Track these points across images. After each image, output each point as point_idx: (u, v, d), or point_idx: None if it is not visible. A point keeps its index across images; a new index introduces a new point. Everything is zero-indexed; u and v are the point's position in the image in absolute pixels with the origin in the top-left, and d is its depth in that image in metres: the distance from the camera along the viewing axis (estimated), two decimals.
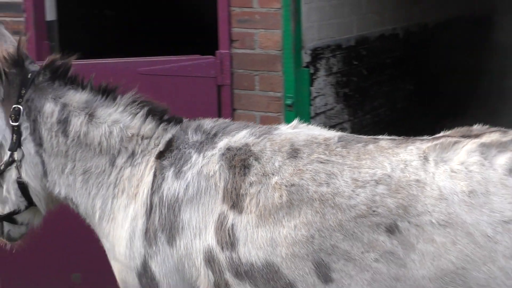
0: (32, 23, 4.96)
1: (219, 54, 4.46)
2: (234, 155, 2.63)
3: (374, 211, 2.37)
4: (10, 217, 3.01)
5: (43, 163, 2.92)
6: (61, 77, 2.92)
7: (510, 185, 2.29)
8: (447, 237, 2.29)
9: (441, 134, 2.57)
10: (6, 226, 3.04)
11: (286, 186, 2.50)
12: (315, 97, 4.61)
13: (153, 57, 4.55)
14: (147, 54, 4.73)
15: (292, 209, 2.48)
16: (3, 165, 2.91)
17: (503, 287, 2.25)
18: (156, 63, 4.42)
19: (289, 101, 4.37)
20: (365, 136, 2.67)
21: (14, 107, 2.86)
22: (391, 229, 2.35)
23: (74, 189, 2.90)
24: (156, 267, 2.68)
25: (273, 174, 2.54)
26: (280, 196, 2.49)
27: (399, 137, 2.62)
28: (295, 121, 2.78)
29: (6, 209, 3.01)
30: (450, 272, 2.30)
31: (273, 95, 4.45)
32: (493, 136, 2.43)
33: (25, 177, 2.92)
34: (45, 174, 2.93)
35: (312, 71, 4.55)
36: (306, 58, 4.51)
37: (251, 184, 2.56)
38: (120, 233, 2.77)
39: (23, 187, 2.94)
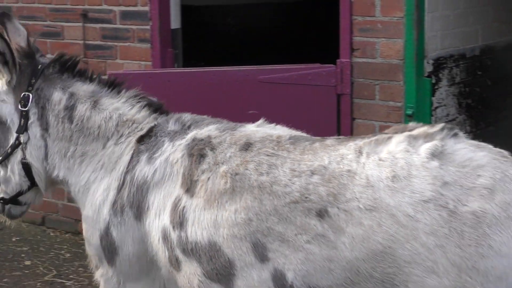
0: (157, 31, 5.08)
1: (340, 63, 4.44)
2: (195, 145, 2.87)
3: (306, 197, 2.56)
4: (15, 199, 3.26)
5: (46, 146, 3.16)
6: (69, 70, 3.19)
7: (431, 167, 2.44)
8: (373, 220, 2.45)
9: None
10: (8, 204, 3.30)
11: (231, 174, 2.72)
12: (436, 107, 4.52)
13: (273, 66, 4.58)
14: (266, 62, 4.76)
15: (234, 195, 2.69)
16: (10, 148, 3.18)
17: (427, 262, 2.39)
18: (276, 71, 4.44)
19: (409, 111, 4.30)
20: (313, 137, 2.87)
21: (24, 94, 3.13)
22: (321, 214, 2.53)
23: (72, 171, 3.15)
24: (117, 235, 2.96)
25: (222, 164, 2.77)
26: (225, 182, 2.72)
27: (348, 137, 2.87)
28: (260, 120, 2.99)
29: (9, 189, 3.25)
30: (379, 252, 2.45)
31: (393, 105, 4.39)
32: (421, 129, 2.60)
33: (29, 159, 3.16)
34: (45, 157, 3.17)
35: (434, 81, 4.46)
36: (428, 67, 4.42)
37: (203, 172, 2.79)
38: (91, 200, 3.06)
39: (27, 168, 3.17)
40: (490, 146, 2.57)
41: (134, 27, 5.20)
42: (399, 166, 2.49)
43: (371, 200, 2.48)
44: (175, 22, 5.22)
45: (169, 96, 4.09)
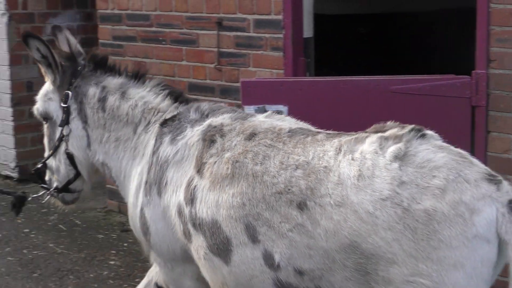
0: (290, 40, 5.11)
1: (475, 74, 4.33)
2: (209, 131, 3.22)
3: (289, 189, 2.84)
4: (66, 188, 3.76)
5: (87, 136, 3.64)
6: (101, 67, 3.66)
7: (392, 169, 2.66)
8: (341, 215, 2.70)
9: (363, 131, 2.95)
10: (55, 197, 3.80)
11: (233, 161, 3.04)
12: None
13: (406, 76, 4.52)
14: (397, 72, 4.70)
15: (233, 180, 3.01)
16: (57, 141, 3.68)
17: (388, 254, 2.62)
18: (408, 81, 4.37)
19: None
20: (313, 129, 3.17)
21: (65, 93, 3.62)
22: (301, 206, 2.80)
23: (109, 155, 3.60)
24: (148, 213, 3.31)
25: (227, 150, 3.10)
26: (227, 168, 3.04)
27: (337, 132, 3.05)
28: (269, 112, 3.35)
29: (60, 178, 3.75)
30: (348, 245, 2.69)
31: None
32: (393, 130, 2.81)
33: (71, 149, 3.67)
34: (88, 145, 3.65)
35: None
36: None
37: (211, 156, 3.13)
38: (131, 186, 3.44)
39: (70, 157, 3.67)
40: (452, 147, 2.75)
41: (267, 35, 5.26)
42: (365, 166, 2.73)
43: (340, 196, 2.73)
44: (307, 31, 5.24)
45: (300, 104, 4.12)
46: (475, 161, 2.74)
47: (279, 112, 3.59)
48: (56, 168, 3.76)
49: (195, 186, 3.12)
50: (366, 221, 2.67)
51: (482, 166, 2.73)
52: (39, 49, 3.63)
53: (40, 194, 3.85)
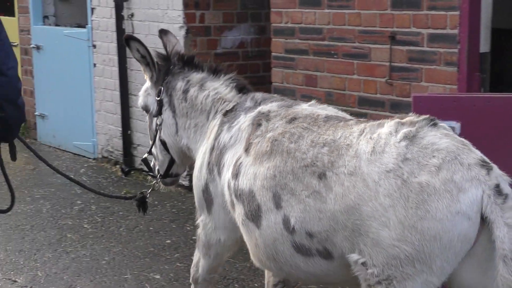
0: (465, 55, 4.97)
1: None
2: (257, 117, 3.69)
3: (314, 163, 3.28)
4: (167, 173, 4.31)
5: (176, 124, 4.16)
6: (188, 64, 4.17)
7: (400, 147, 3.08)
8: (351, 182, 3.13)
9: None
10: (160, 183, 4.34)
11: (272, 140, 3.49)
12: None
13: None
14: None
15: (271, 156, 3.45)
16: (154, 130, 4.24)
17: (382, 218, 3.03)
18: None
19: None
20: (348, 117, 3.63)
21: (159, 88, 4.18)
22: (321, 176, 3.24)
23: (190, 139, 4.12)
24: (212, 189, 3.84)
25: (270, 131, 3.56)
26: (267, 146, 3.49)
27: (366, 120, 3.48)
28: (313, 101, 3.78)
29: (160, 163, 4.31)
30: (351, 207, 3.12)
31: None
32: (410, 117, 3.22)
33: (163, 136, 4.21)
34: (176, 131, 4.17)
35: None
36: None
37: (256, 137, 3.59)
38: (197, 162, 3.98)
39: (163, 144, 4.22)
40: (457, 137, 3.14)
41: (441, 50, 5.14)
42: (379, 144, 3.15)
43: (353, 167, 3.16)
44: (484, 45, 5.07)
45: (473, 121, 3.97)
46: (474, 149, 3.10)
47: (452, 128, 3.48)
48: (156, 155, 4.33)
49: (241, 163, 3.59)
50: (370, 188, 3.09)
51: (479, 154, 3.08)
52: (138, 50, 4.17)
53: (151, 187, 4.37)
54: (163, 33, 4.38)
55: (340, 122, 3.42)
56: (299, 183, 3.31)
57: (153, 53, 4.20)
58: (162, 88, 4.18)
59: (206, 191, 3.90)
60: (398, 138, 3.12)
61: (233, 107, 3.93)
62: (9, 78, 3.91)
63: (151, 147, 4.30)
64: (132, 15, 7.69)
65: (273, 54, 6.40)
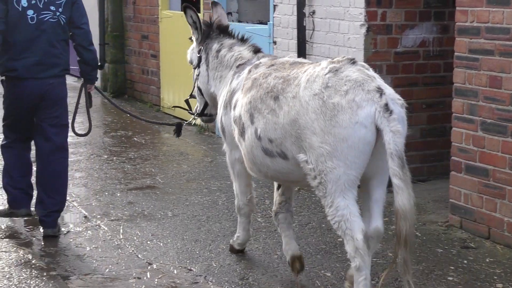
0: None
1: None
2: (252, 67, 5.09)
3: (272, 90, 4.62)
4: (203, 113, 5.83)
5: (208, 75, 5.57)
6: (224, 32, 5.59)
7: (325, 77, 4.36)
8: (293, 103, 4.45)
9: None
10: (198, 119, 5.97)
11: (253, 79, 4.88)
12: None
13: None
14: None
15: (251, 90, 4.83)
16: (195, 79, 5.73)
17: (311, 128, 4.32)
18: None
19: None
20: (308, 61, 5.05)
21: (200, 47, 5.62)
22: (276, 98, 4.58)
23: (217, 87, 5.51)
24: (225, 121, 5.27)
25: (254, 74, 4.94)
26: (250, 83, 4.89)
27: (319, 62, 4.67)
28: (292, 55, 5.84)
29: (198, 105, 5.86)
30: (293, 121, 4.43)
31: None
32: (339, 58, 4.50)
33: (199, 84, 5.68)
34: (208, 81, 5.59)
35: None
36: None
37: (247, 79, 4.97)
38: (219, 104, 5.40)
39: (199, 90, 5.71)
40: (367, 71, 4.38)
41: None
42: (313, 76, 4.43)
43: (295, 92, 4.47)
44: None
45: None
46: (378, 79, 4.37)
47: None
48: (196, 99, 5.83)
49: (237, 99, 5.02)
50: (304, 107, 4.39)
51: (378, 83, 4.33)
52: (191, 16, 5.60)
53: (189, 121, 6.08)
54: (213, 4, 5.79)
55: (299, 65, 4.78)
56: (263, 104, 4.68)
57: (201, 21, 5.63)
58: (202, 47, 5.61)
59: (222, 123, 5.31)
60: (325, 72, 4.40)
61: (244, 62, 5.31)
62: (83, 31, 5.93)
63: (192, 92, 5.83)
64: (313, 12, 7.72)
65: (456, 54, 6.20)
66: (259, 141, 4.70)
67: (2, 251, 5.69)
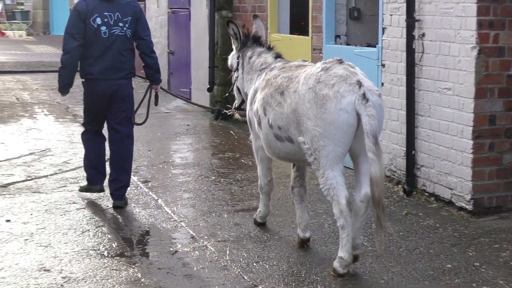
0: None
1: None
2: (269, 70, 6.29)
3: (279, 87, 5.78)
4: (239, 107, 6.94)
5: (243, 78, 6.67)
6: (256, 41, 6.71)
7: (318, 74, 5.51)
8: (294, 95, 5.61)
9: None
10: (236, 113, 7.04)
11: (266, 80, 6.05)
12: None
13: None
14: None
15: (264, 88, 6.00)
16: (234, 80, 6.87)
17: (307, 114, 5.47)
18: None
19: None
20: (312, 64, 6.06)
21: (238, 54, 6.73)
22: (282, 93, 5.74)
23: (248, 88, 6.59)
24: (250, 115, 6.37)
25: (269, 75, 6.10)
26: (264, 83, 6.06)
27: (319, 63, 5.75)
28: (300, 59, 6.46)
29: (236, 101, 6.95)
30: (294, 110, 5.58)
31: None
32: (330, 59, 5.68)
33: (237, 84, 6.79)
34: (242, 82, 6.71)
35: None
36: None
37: (263, 80, 6.15)
38: (247, 101, 6.52)
39: (237, 89, 6.82)
40: (352, 69, 5.52)
41: None
42: (309, 74, 5.58)
43: (295, 87, 5.61)
44: None
45: None
46: (359, 75, 5.47)
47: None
48: (235, 96, 6.97)
49: (256, 96, 6.20)
50: (301, 98, 5.52)
51: (359, 77, 5.43)
52: (233, 29, 6.76)
53: (229, 112, 7.24)
54: (254, 17, 7.00)
55: (302, 67, 5.90)
56: (273, 99, 5.86)
57: (241, 32, 6.75)
58: (240, 54, 6.75)
59: (248, 117, 6.45)
60: (318, 70, 5.56)
61: (266, 66, 6.42)
62: (145, 41, 7.43)
63: (230, 90, 7.07)
64: (423, 35, 7.63)
65: None
66: (271, 128, 5.90)
67: (112, 269, 5.85)
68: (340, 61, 5.57)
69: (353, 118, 5.33)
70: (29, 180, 8.37)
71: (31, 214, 7.14)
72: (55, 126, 11.61)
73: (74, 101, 13.63)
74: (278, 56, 6.52)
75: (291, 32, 11.14)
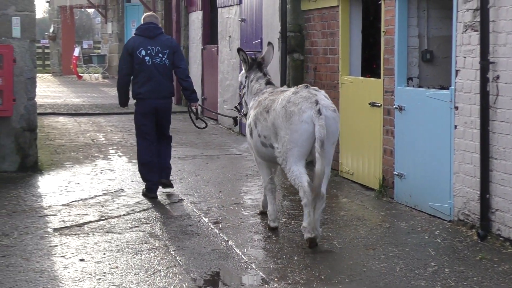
0: None
1: None
2: (260, 94, 8.35)
3: (266, 106, 7.80)
4: (245, 115, 8.68)
5: (247, 95, 8.60)
6: (259, 67, 8.57)
7: (289, 96, 7.53)
8: (273, 112, 7.60)
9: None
10: (243, 118, 8.93)
11: (258, 101, 8.09)
12: None
13: None
14: None
15: (256, 108, 8.01)
16: (241, 96, 8.91)
17: (280, 125, 7.51)
18: None
19: None
20: (293, 89, 7.82)
21: (246, 75, 8.66)
22: (267, 111, 7.72)
23: (247, 105, 8.59)
24: (246, 127, 8.30)
25: (260, 98, 8.15)
26: (256, 103, 8.13)
27: (298, 88, 7.70)
28: (285, 86, 9.44)
29: (244, 111, 8.85)
30: (273, 123, 7.60)
31: None
32: (300, 85, 7.74)
33: (245, 98, 8.77)
34: (247, 97, 8.65)
35: None
36: None
37: (256, 101, 8.23)
38: (248, 115, 8.35)
39: (244, 101, 8.78)
40: (314, 92, 7.51)
41: None
42: (284, 96, 7.58)
43: (275, 106, 7.58)
44: None
45: None
46: (319, 96, 7.44)
47: None
48: (243, 106, 8.84)
49: (250, 113, 8.16)
50: (277, 114, 7.47)
51: (318, 98, 7.38)
52: (243, 55, 8.55)
53: (239, 117, 9.12)
54: (268, 44, 8.82)
55: (284, 91, 7.78)
56: (261, 115, 7.78)
57: (249, 58, 8.65)
58: (247, 75, 8.62)
59: (247, 129, 8.24)
60: (290, 93, 7.51)
61: (259, 91, 8.34)
62: (181, 69, 9.66)
63: (239, 103, 9.19)
64: (497, 77, 7.53)
65: None
66: (259, 137, 7.91)
67: None
68: (307, 86, 7.63)
69: (312, 127, 7.26)
70: (102, 220, 8.51)
71: (104, 254, 7.24)
72: (128, 167, 11.81)
73: None
74: (268, 82, 8.50)
75: (363, 74, 11.13)
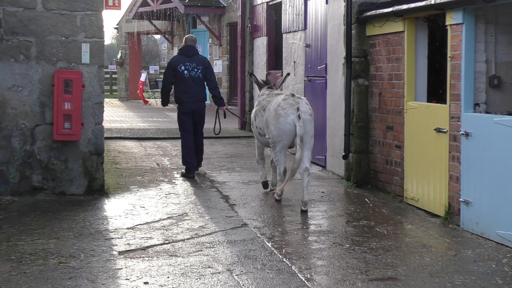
0: None
1: None
2: (261, 97, 11.52)
3: (264, 105, 11.00)
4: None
5: (257, 105, 11.86)
6: (267, 84, 11.75)
7: (280, 102, 10.56)
8: (267, 112, 10.73)
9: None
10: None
11: (258, 102, 11.39)
12: None
13: None
14: None
15: (257, 106, 11.34)
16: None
17: (271, 123, 10.64)
18: None
19: None
20: (287, 93, 11.20)
21: (260, 92, 11.73)
22: (264, 109, 10.91)
23: (258, 120, 11.27)
24: (252, 121, 11.55)
25: (260, 99, 11.40)
26: (257, 105, 11.39)
27: (290, 95, 10.84)
28: (290, 94, 11.03)
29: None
30: (266, 120, 10.75)
31: None
32: (290, 93, 11.04)
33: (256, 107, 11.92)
34: (256, 115, 11.51)
35: None
36: None
37: (257, 100, 11.67)
38: (255, 118, 11.41)
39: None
40: (298, 99, 10.57)
41: None
42: (276, 101, 10.62)
43: (269, 107, 10.69)
44: None
45: None
46: (301, 104, 10.40)
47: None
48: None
49: (253, 111, 11.41)
50: (270, 114, 10.56)
51: (300, 105, 10.34)
52: (254, 78, 11.95)
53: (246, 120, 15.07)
54: (287, 74, 11.94)
55: (278, 95, 10.73)
56: (259, 112, 10.96)
57: (260, 80, 11.81)
58: (261, 92, 11.31)
59: (251, 123, 11.36)
60: (281, 99, 10.46)
61: (266, 103, 10.75)
62: (211, 81, 13.16)
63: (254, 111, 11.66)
64: None
65: None
66: (257, 129, 11.03)
67: None
68: (293, 95, 10.53)
69: (293, 127, 10.17)
70: (166, 243, 8.58)
71: (168, 277, 7.29)
72: (193, 191, 11.90)
73: (211, 167, 13.95)
74: (267, 86, 11.56)
75: (429, 100, 11.02)
